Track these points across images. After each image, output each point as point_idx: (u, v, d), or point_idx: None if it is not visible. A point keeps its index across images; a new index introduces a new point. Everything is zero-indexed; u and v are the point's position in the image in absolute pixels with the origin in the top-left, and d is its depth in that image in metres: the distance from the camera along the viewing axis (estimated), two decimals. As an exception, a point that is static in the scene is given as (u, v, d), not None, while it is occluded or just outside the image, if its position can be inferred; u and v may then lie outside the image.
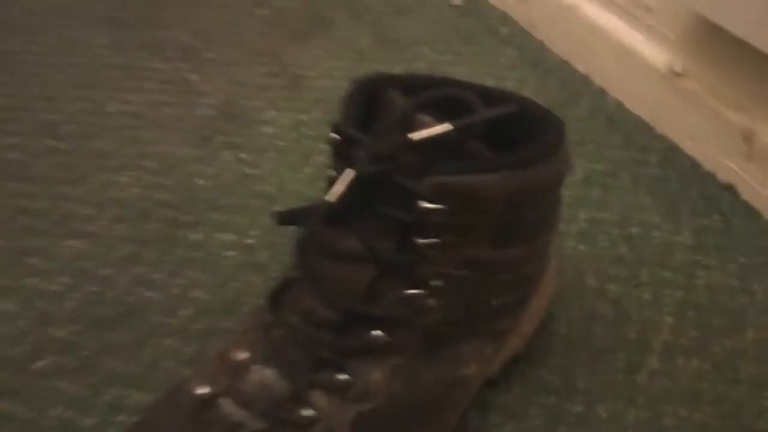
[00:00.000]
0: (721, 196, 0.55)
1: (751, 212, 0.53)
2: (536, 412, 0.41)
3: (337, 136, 0.33)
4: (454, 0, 0.76)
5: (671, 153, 0.58)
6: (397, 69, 0.67)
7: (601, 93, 0.64)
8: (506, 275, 0.36)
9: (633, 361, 0.44)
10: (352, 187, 0.31)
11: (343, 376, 0.32)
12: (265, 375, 0.32)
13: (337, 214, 0.32)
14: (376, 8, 0.75)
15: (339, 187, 0.31)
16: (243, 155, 0.57)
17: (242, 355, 0.33)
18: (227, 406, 0.32)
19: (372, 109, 0.34)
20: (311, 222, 0.32)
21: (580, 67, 0.66)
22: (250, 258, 0.49)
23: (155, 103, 0.62)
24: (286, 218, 0.34)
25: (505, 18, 0.73)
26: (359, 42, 0.70)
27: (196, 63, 0.67)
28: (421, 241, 0.32)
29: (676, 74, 0.56)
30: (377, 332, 0.33)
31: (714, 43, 0.53)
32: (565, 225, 0.52)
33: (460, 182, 0.31)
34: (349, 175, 0.31)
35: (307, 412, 0.32)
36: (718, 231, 0.52)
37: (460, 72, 0.66)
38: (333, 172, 0.33)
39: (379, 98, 0.34)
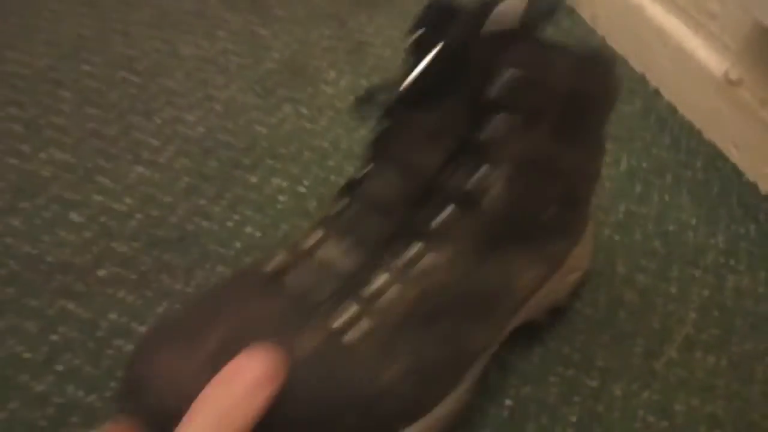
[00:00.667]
0: (759, 207, 0.56)
1: (788, 226, 0.54)
2: (554, 381, 0.43)
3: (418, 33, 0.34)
4: (521, -13, 0.77)
5: (716, 159, 0.59)
6: (458, 47, 0.69)
7: (655, 93, 0.65)
8: (561, 183, 0.38)
9: (653, 348, 0.46)
10: (436, 62, 0.33)
11: (410, 253, 0.33)
12: (331, 252, 0.33)
13: (418, 94, 0.33)
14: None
15: (425, 61, 0.33)
16: (303, 110, 0.60)
17: (313, 238, 0.34)
18: (293, 279, 0.33)
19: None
20: (407, 83, 0.33)
21: (638, 66, 0.67)
22: (300, 204, 0.52)
23: (225, 51, 0.65)
24: (372, 95, 0.36)
25: (570, 12, 0.74)
26: (424, 17, 0.72)
27: (266, 18, 0.70)
28: (496, 118, 0.33)
29: (731, 83, 0.57)
30: (448, 209, 0.34)
31: (774, 55, 0.54)
32: (604, 214, 0.54)
33: (540, 54, 0.34)
34: (436, 51, 0.32)
35: (371, 288, 0.33)
36: (752, 239, 0.53)
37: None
38: (413, 37, 0.35)
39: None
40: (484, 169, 0.34)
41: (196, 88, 0.61)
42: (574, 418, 0.41)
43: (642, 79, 0.66)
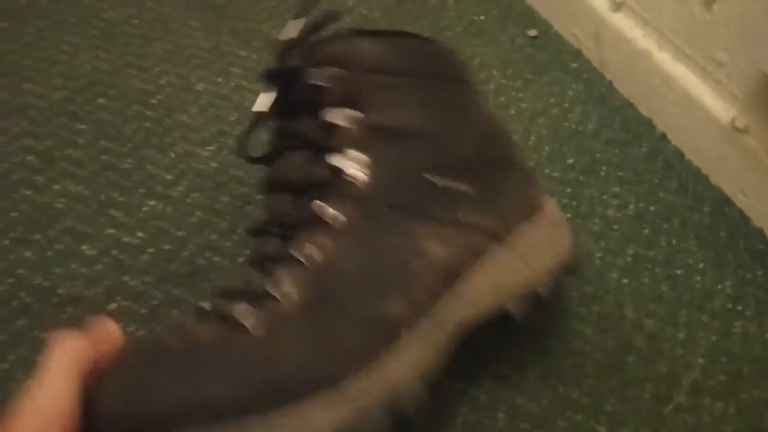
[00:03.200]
0: (766, 253, 0.56)
1: (795, 273, 0.55)
2: (563, 426, 0.43)
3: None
4: (530, 31, 0.79)
5: (723, 205, 0.60)
6: (468, 88, 0.70)
7: (663, 138, 0.66)
8: (431, 150, 0.40)
9: (661, 393, 0.46)
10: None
11: (297, 249, 0.37)
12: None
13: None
14: (455, 28, 0.78)
15: (262, 98, 0.41)
16: (314, 147, 0.61)
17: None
18: None
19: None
20: (243, 134, 0.42)
21: (645, 111, 0.68)
22: (311, 241, 0.52)
23: (239, 87, 0.66)
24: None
25: (577, 54, 0.75)
26: (434, 57, 0.73)
27: (280, 56, 0.71)
28: (326, 114, 0.39)
29: (738, 130, 0.58)
30: (317, 202, 0.38)
31: (780, 105, 0.55)
32: (612, 257, 0.54)
33: (341, 46, 0.39)
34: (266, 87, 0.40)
35: (272, 289, 0.36)
36: (759, 285, 0.54)
37: (527, 98, 0.69)
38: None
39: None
40: (334, 159, 0.38)
41: (210, 123, 0.62)
42: (583, 465, 0.41)
43: (649, 124, 0.67)
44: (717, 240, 0.57)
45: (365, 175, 0.38)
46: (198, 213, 0.53)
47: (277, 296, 0.35)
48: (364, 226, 0.37)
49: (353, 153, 0.38)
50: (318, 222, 0.37)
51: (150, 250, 0.50)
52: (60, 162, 0.56)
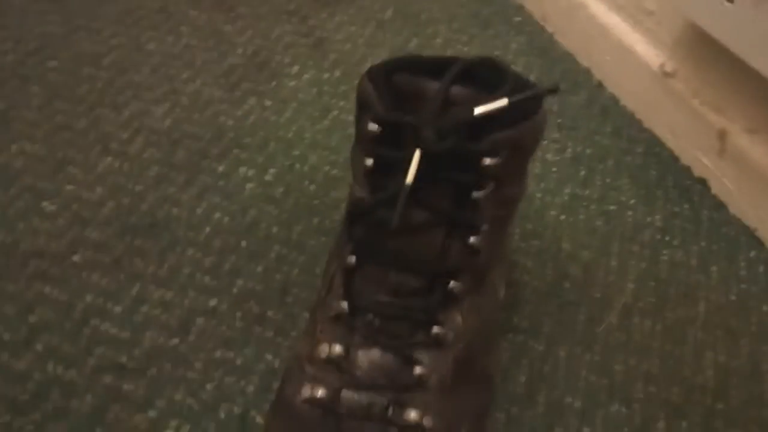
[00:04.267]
0: (693, 188, 0.61)
1: (719, 205, 0.59)
2: (504, 347, 0.47)
3: (377, 127, 0.36)
4: (474, -14, 0.81)
5: (654, 145, 0.64)
6: (414, 43, 0.72)
7: (599, 85, 0.69)
8: (516, 206, 0.42)
9: (594, 315, 0.50)
10: (419, 165, 0.35)
11: (437, 330, 0.37)
12: (371, 356, 0.36)
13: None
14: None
15: (412, 168, 0.34)
16: (267, 102, 0.63)
17: (337, 349, 0.36)
18: (351, 395, 0.35)
19: (390, 92, 0.37)
20: (400, 206, 0.35)
21: (583, 61, 0.71)
22: (267, 191, 0.55)
23: (190, 46, 0.67)
24: (363, 212, 0.37)
25: (520, 9, 0.78)
26: (382, 13, 0.75)
27: (229, 15, 0.72)
28: (477, 193, 0.36)
29: (667, 74, 0.62)
30: (453, 282, 0.37)
31: (701, 48, 0.59)
32: (551, 197, 0.58)
33: (513, 134, 0.36)
34: (417, 155, 0.34)
35: (419, 371, 0.36)
36: (686, 218, 0.58)
37: (472, 52, 0.72)
38: (369, 161, 0.37)
39: (393, 82, 0.37)
40: (472, 240, 0.37)
41: (162, 82, 0.63)
42: (523, 378, 0.45)
43: (587, 73, 0.71)
44: (648, 178, 0.61)
45: (487, 244, 0.38)
46: (155, 168, 0.55)
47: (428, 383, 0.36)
48: (479, 290, 0.39)
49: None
50: (452, 301, 0.37)
51: (109, 204, 0.52)
52: (15, 123, 0.57)
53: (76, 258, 0.48)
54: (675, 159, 0.63)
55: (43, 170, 0.53)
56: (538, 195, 0.58)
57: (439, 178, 0.36)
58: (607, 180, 0.60)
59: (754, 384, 0.47)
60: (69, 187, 0.53)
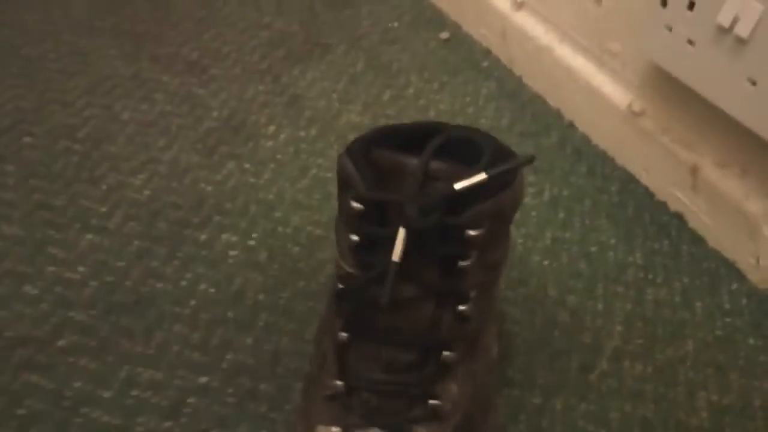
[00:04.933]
0: (671, 224, 0.62)
1: (696, 238, 0.60)
2: (501, 403, 0.47)
3: (360, 205, 0.36)
4: (442, 34, 0.83)
5: (629, 183, 0.65)
6: (387, 95, 0.73)
7: (570, 126, 0.71)
8: (501, 268, 0.42)
9: (586, 362, 0.50)
10: (405, 241, 0.35)
11: (433, 403, 0.37)
12: None
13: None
14: (370, 37, 0.81)
15: (398, 246, 0.35)
16: (246, 165, 0.63)
17: (334, 430, 0.36)
18: None
19: (371, 169, 0.37)
20: (389, 284, 0.35)
21: (553, 102, 0.73)
22: (251, 257, 0.54)
23: (164, 113, 0.68)
24: (353, 289, 0.37)
25: (487, 53, 0.80)
26: (353, 67, 0.77)
27: (202, 78, 0.73)
28: (463, 263, 0.36)
29: (635, 113, 0.64)
30: (446, 353, 0.37)
31: (667, 88, 0.61)
32: (533, 241, 0.59)
33: (493, 204, 0.36)
34: (403, 233, 0.35)
35: None
36: (666, 254, 0.59)
37: (444, 99, 0.73)
38: (354, 237, 0.36)
39: (372, 158, 0.37)
40: (461, 308, 0.37)
41: (139, 151, 0.63)
42: (521, 435, 0.45)
43: (558, 114, 0.72)
44: (625, 216, 0.62)
45: (476, 310, 0.38)
46: (136, 242, 0.55)
47: None
48: (471, 356, 0.39)
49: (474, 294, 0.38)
50: (446, 372, 0.38)
51: (92, 283, 0.51)
52: (-9, 205, 0.56)
53: (61, 343, 0.47)
54: (650, 195, 0.64)
55: (23, 253, 0.53)
56: (520, 240, 0.59)
57: (425, 251, 0.36)
58: (586, 221, 0.61)
59: (748, 421, 0.47)
60: (50, 269, 0.52)
